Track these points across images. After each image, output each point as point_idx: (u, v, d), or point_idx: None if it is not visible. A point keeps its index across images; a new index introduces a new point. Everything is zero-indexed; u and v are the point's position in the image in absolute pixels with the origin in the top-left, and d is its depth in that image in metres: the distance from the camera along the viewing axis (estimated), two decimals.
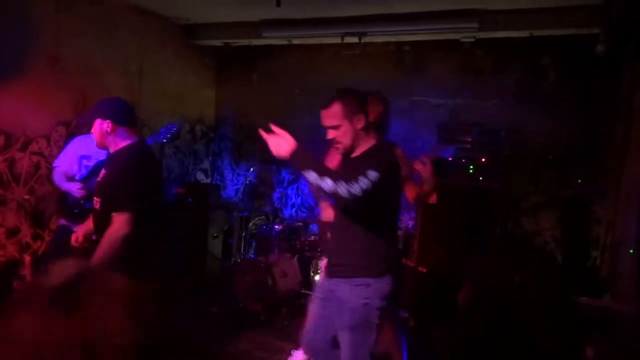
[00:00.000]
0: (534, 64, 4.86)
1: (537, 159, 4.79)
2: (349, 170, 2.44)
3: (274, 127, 2.37)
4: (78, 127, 4.25)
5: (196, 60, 5.94)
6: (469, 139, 4.41)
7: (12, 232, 4.15)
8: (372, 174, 2.30)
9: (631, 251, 3.69)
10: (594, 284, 4.17)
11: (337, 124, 2.45)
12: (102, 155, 3.10)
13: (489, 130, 4.47)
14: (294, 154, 2.32)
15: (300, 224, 5.22)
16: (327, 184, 2.26)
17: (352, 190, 2.26)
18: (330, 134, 2.48)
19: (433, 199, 3.54)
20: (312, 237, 4.85)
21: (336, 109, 2.44)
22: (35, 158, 4.24)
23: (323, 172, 2.31)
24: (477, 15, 4.31)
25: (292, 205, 5.94)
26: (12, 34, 3.90)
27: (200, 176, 6.26)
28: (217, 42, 5.77)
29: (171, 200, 5.30)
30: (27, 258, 4.21)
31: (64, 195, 3.67)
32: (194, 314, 4.23)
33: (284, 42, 5.48)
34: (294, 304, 4.51)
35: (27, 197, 4.16)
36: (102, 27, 4.67)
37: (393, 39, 5.19)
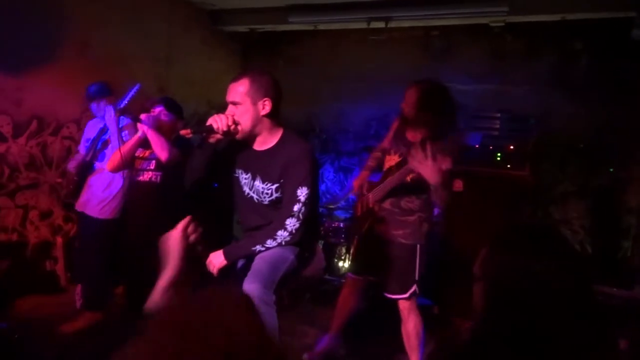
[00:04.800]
0: (566, 49, 4.71)
1: (568, 146, 4.66)
2: (259, 166, 2.35)
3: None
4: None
5: (222, 46, 5.95)
6: (497, 126, 4.32)
7: (45, 215, 4.27)
8: (303, 194, 2.24)
9: None
10: (625, 274, 4.08)
11: (238, 100, 2.26)
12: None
13: (518, 116, 4.38)
14: (229, 255, 2.29)
15: (325, 209, 5.23)
16: (270, 243, 2.25)
17: (292, 228, 2.23)
18: (229, 110, 2.28)
19: (458, 186, 3.47)
20: (336, 224, 4.85)
21: (243, 84, 2.26)
22: (66, 142, 4.34)
23: (258, 240, 2.28)
24: None
25: None
26: (43, 22, 3.98)
27: None
28: (243, 28, 5.77)
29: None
30: (59, 240, 4.34)
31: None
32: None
33: (310, 27, 5.45)
34: (318, 289, 4.54)
35: (59, 180, 4.27)
36: (130, 14, 4.71)
37: (420, 23, 5.09)
